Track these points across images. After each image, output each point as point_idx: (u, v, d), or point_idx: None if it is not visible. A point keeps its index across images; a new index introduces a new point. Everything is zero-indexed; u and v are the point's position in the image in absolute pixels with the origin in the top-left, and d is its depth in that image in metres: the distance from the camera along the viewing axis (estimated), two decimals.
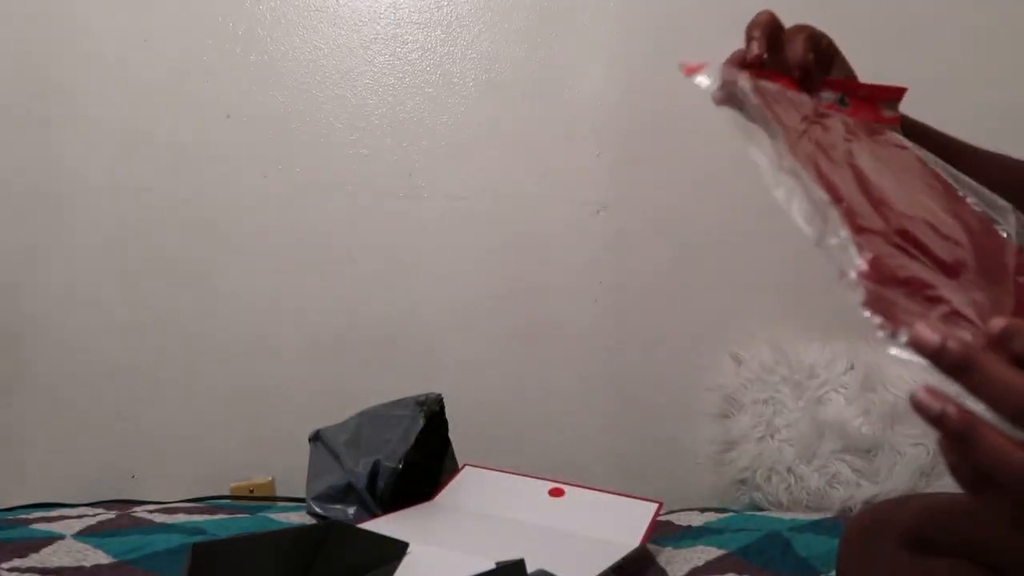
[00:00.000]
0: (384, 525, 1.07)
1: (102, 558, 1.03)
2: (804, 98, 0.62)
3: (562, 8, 1.72)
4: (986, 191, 0.56)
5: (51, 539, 1.09)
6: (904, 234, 0.47)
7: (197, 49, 1.69)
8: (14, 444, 1.64)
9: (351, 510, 1.23)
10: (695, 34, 1.69)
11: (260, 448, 1.66)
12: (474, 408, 1.67)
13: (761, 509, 1.51)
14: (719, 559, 1.09)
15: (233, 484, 1.62)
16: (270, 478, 1.64)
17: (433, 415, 1.26)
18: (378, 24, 1.72)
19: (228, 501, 1.53)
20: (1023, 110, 1.61)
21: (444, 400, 1.34)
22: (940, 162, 0.59)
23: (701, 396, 1.65)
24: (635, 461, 1.66)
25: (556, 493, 1.20)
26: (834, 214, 0.45)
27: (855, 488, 1.46)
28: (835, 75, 0.69)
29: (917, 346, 0.40)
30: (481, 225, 1.70)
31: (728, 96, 0.57)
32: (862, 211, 0.47)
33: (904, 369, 1.51)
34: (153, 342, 1.66)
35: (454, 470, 1.30)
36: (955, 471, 0.41)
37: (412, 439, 1.22)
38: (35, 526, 1.17)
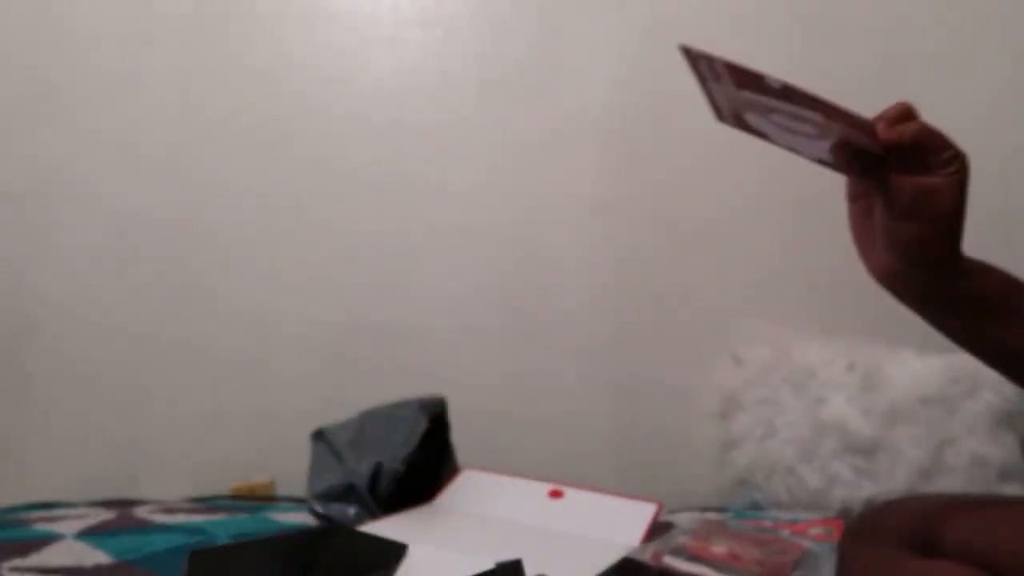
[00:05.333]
0: (384, 527, 1.07)
1: (102, 558, 1.03)
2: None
3: (562, 8, 1.71)
4: None
5: (51, 539, 1.09)
6: None
7: (197, 49, 1.69)
8: (14, 444, 1.64)
9: (352, 509, 1.23)
10: (695, 34, 1.69)
11: (260, 448, 1.66)
12: (473, 407, 1.66)
13: (761, 509, 1.51)
14: None
15: (233, 484, 1.62)
16: (270, 478, 1.64)
17: (436, 417, 1.26)
18: (378, 24, 1.72)
19: (228, 501, 1.53)
20: None
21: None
22: None
23: (701, 396, 1.65)
24: (635, 461, 1.66)
25: (556, 495, 1.20)
26: None
27: (855, 488, 1.47)
28: None
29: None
30: (481, 225, 1.70)
31: None
32: None
33: (904, 369, 1.52)
34: (153, 343, 1.66)
35: (454, 472, 1.30)
36: (896, 196, 0.60)
37: (415, 441, 1.21)
38: (35, 526, 1.17)
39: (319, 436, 1.35)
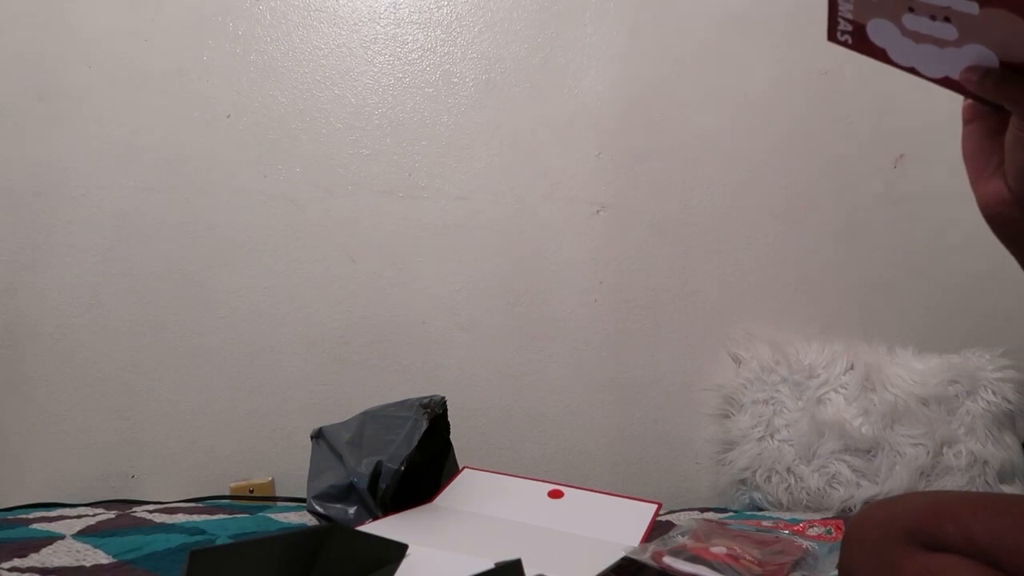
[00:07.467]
0: (384, 527, 1.07)
1: (102, 558, 1.03)
2: None
3: (562, 8, 1.72)
4: None
5: (51, 539, 1.09)
6: None
7: (197, 49, 1.69)
8: (14, 444, 1.64)
9: (352, 509, 1.23)
10: (695, 34, 1.70)
11: (260, 448, 1.66)
12: (473, 407, 1.67)
13: (761, 509, 1.51)
14: None
15: (233, 484, 1.63)
16: (270, 478, 1.64)
17: (436, 418, 1.26)
18: (378, 24, 1.72)
19: (228, 501, 1.53)
20: None
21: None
22: None
23: (701, 396, 1.65)
24: (635, 461, 1.66)
25: (555, 495, 1.20)
26: None
27: (855, 488, 1.47)
28: None
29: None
30: (481, 225, 1.70)
31: None
32: None
33: (904, 369, 1.52)
34: (153, 342, 1.66)
35: (454, 472, 1.30)
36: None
37: (415, 441, 1.21)
38: (35, 526, 1.17)
39: (319, 436, 1.35)
